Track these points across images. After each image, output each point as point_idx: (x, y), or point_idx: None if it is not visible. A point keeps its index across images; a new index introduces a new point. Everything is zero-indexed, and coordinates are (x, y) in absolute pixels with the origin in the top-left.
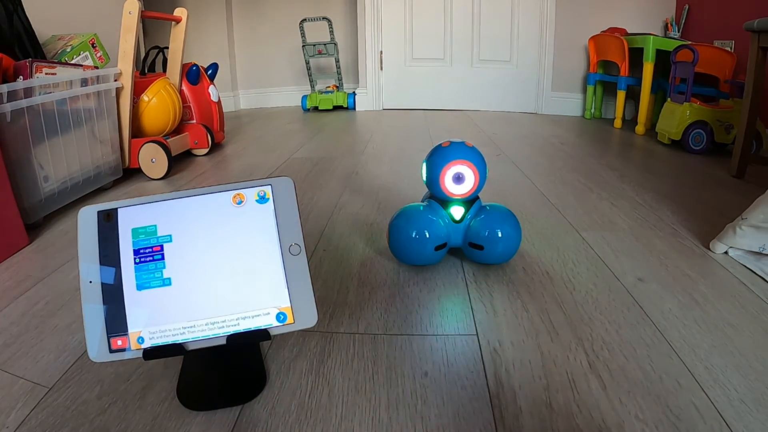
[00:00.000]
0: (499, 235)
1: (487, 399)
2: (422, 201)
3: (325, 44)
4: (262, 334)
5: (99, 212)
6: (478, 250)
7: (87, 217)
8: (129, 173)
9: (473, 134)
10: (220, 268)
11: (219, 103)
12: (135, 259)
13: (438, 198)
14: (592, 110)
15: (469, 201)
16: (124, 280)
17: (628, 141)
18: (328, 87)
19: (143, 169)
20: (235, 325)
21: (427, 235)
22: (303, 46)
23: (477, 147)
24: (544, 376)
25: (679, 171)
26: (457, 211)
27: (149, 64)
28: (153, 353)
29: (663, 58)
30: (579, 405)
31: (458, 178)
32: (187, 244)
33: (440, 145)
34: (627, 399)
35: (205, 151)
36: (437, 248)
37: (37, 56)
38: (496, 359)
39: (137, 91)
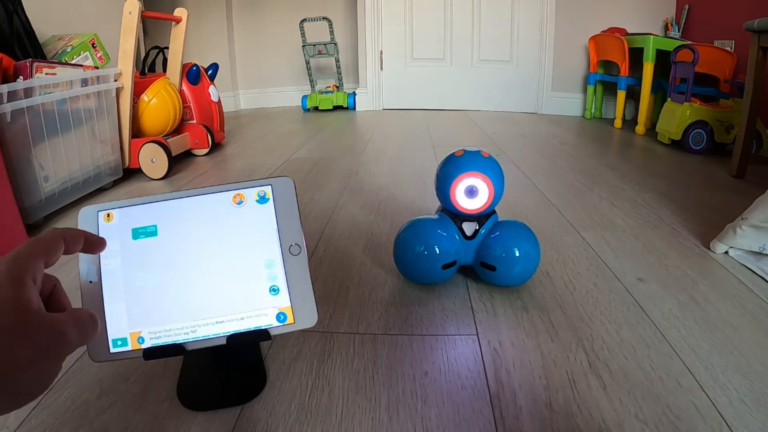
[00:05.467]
0: (516, 255)
1: (487, 399)
2: (435, 214)
3: (325, 44)
4: (262, 334)
5: (99, 212)
6: (490, 270)
7: (87, 217)
8: (129, 173)
9: (473, 134)
10: (220, 268)
11: (219, 103)
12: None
13: (449, 212)
14: (592, 110)
15: (484, 216)
16: (124, 281)
17: (628, 141)
18: (328, 87)
19: (143, 169)
20: (235, 326)
21: (436, 252)
22: (303, 46)
23: (485, 151)
24: (544, 376)
25: (679, 171)
26: (469, 227)
27: (149, 64)
28: (153, 353)
29: (663, 58)
30: (579, 405)
31: (471, 192)
32: (187, 244)
33: (453, 153)
34: (627, 399)
35: (205, 151)
36: (445, 266)
37: (37, 56)
38: (496, 359)
39: (137, 91)
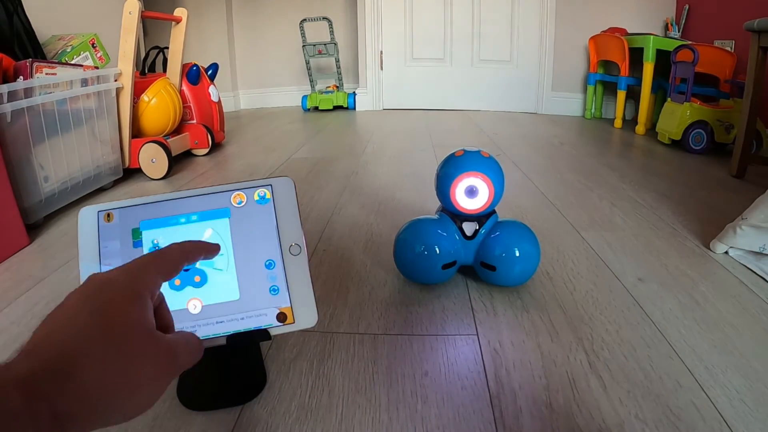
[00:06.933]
0: (516, 255)
1: (487, 399)
2: (435, 214)
3: (325, 44)
4: (262, 334)
5: (99, 212)
6: (490, 270)
7: (87, 217)
8: (129, 173)
9: (473, 134)
10: (220, 268)
11: (219, 103)
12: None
13: (449, 212)
14: (593, 110)
15: (484, 216)
16: None
17: (628, 141)
18: (329, 87)
19: (143, 169)
20: (235, 326)
21: (436, 252)
22: (303, 46)
23: (485, 151)
24: (544, 376)
25: (679, 171)
26: (469, 227)
27: (149, 64)
28: None
29: (663, 58)
30: (579, 405)
31: (471, 192)
32: None
33: (453, 154)
34: (627, 399)
35: (206, 151)
36: (445, 266)
37: (37, 56)
38: (496, 359)
39: (137, 91)
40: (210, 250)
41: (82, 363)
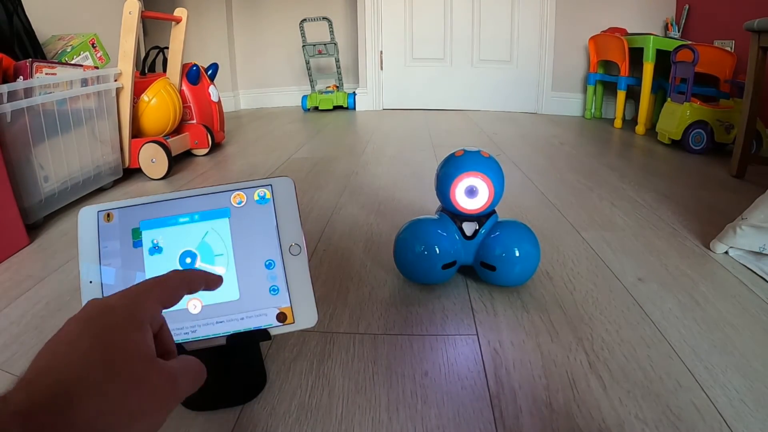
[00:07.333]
0: (516, 254)
1: (487, 399)
2: (435, 214)
3: (325, 44)
4: (262, 334)
5: (99, 212)
6: (490, 270)
7: (87, 217)
8: (129, 173)
9: (473, 134)
10: (220, 267)
11: (219, 103)
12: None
13: (449, 212)
14: (592, 110)
15: (484, 216)
16: (124, 281)
17: (628, 141)
18: (329, 87)
19: (143, 169)
20: (235, 326)
21: (436, 252)
22: (303, 46)
23: (485, 151)
24: (544, 376)
25: (679, 171)
26: (469, 227)
27: (149, 64)
28: None
29: (663, 58)
30: (579, 405)
31: (471, 192)
32: (186, 244)
33: (453, 154)
34: (627, 399)
35: (205, 151)
36: (445, 266)
37: (37, 56)
38: (496, 359)
39: (137, 91)
40: (211, 281)
41: (82, 392)
